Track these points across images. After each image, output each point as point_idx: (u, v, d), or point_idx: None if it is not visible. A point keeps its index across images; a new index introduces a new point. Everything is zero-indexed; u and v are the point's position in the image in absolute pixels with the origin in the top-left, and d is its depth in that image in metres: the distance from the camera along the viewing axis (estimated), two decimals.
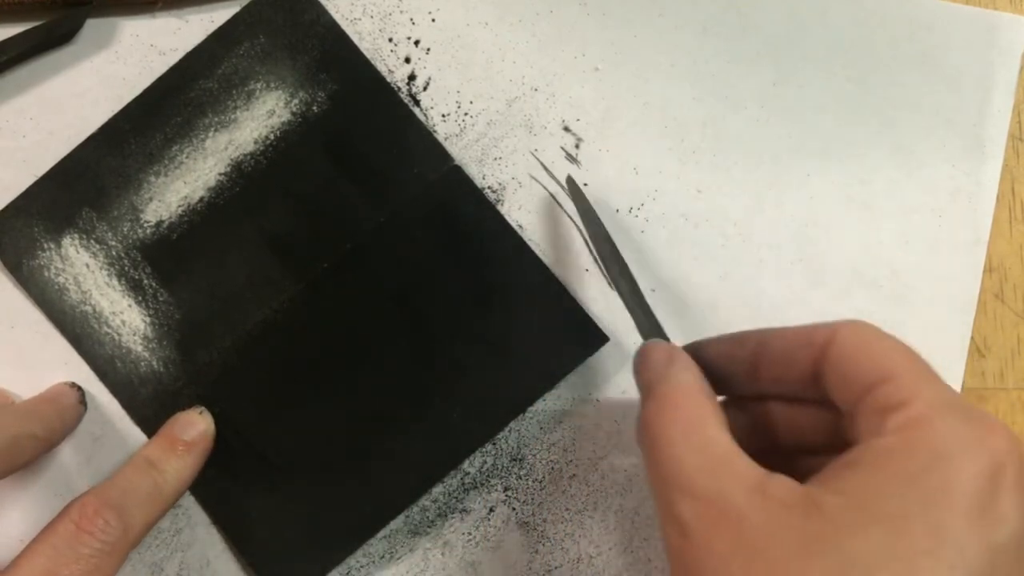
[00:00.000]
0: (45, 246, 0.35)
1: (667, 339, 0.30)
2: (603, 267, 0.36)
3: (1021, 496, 0.22)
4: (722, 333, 0.29)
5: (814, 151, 0.38)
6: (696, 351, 0.29)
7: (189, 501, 0.35)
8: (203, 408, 0.35)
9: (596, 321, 0.36)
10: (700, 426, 0.25)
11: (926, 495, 0.21)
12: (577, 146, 0.37)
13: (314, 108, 0.36)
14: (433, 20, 0.37)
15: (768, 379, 0.28)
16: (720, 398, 0.28)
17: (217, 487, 0.35)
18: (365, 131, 0.36)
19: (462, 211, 0.36)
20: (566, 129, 0.37)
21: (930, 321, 0.37)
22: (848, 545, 0.21)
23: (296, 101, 0.36)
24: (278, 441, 0.35)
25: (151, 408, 0.35)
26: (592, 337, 0.36)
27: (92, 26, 0.36)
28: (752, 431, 0.29)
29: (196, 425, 0.34)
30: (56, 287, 0.35)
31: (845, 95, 0.38)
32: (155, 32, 0.36)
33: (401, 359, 0.36)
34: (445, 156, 0.36)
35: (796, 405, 0.28)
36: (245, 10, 0.36)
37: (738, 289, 0.37)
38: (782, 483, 0.23)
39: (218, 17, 0.36)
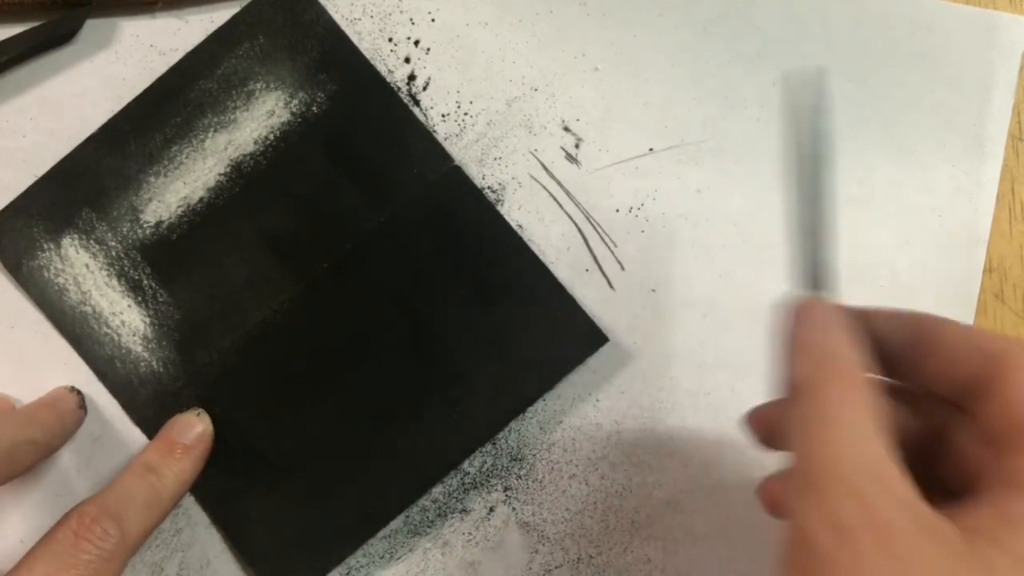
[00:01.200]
0: (45, 246, 0.35)
1: (832, 295, 0.27)
2: (799, 186, 0.29)
3: None
4: (890, 308, 0.27)
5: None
6: (860, 320, 0.26)
7: (189, 501, 0.35)
8: (201, 410, 0.35)
9: (596, 321, 0.36)
10: (866, 428, 0.22)
11: None
12: (577, 146, 0.37)
13: (314, 108, 0.36)
14: (433, 20, 0.37)
15: (931, 371, 0.25)
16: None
17: (217, 487, 0.35)
18: (365, 131, 0.36)
19: (462, 211, 0.36)
20: (566, 129, 0.37)
21: None
22: None
23: (296, 101, 0.36)
24: (278, 441, 0.35)
25: (151, 408, 0.35)
26: (592, 337, 0.36)
27: (92, 26, 0.36)
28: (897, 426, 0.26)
29: (194, 427, 0.34)
30: (56, 287, 0.35)
31: (845, 95, 0.38)
32: (155, 32, 0.36)
33: (401, 359, 0.36)
34: (445, 156, 0.36)
35: (938, 405, 0.26)
36: (245, 10, 0.36)
37: (738, 289, 0.37)
38: (944, 521, 0.21)
39: (218, 17, 0.36)
